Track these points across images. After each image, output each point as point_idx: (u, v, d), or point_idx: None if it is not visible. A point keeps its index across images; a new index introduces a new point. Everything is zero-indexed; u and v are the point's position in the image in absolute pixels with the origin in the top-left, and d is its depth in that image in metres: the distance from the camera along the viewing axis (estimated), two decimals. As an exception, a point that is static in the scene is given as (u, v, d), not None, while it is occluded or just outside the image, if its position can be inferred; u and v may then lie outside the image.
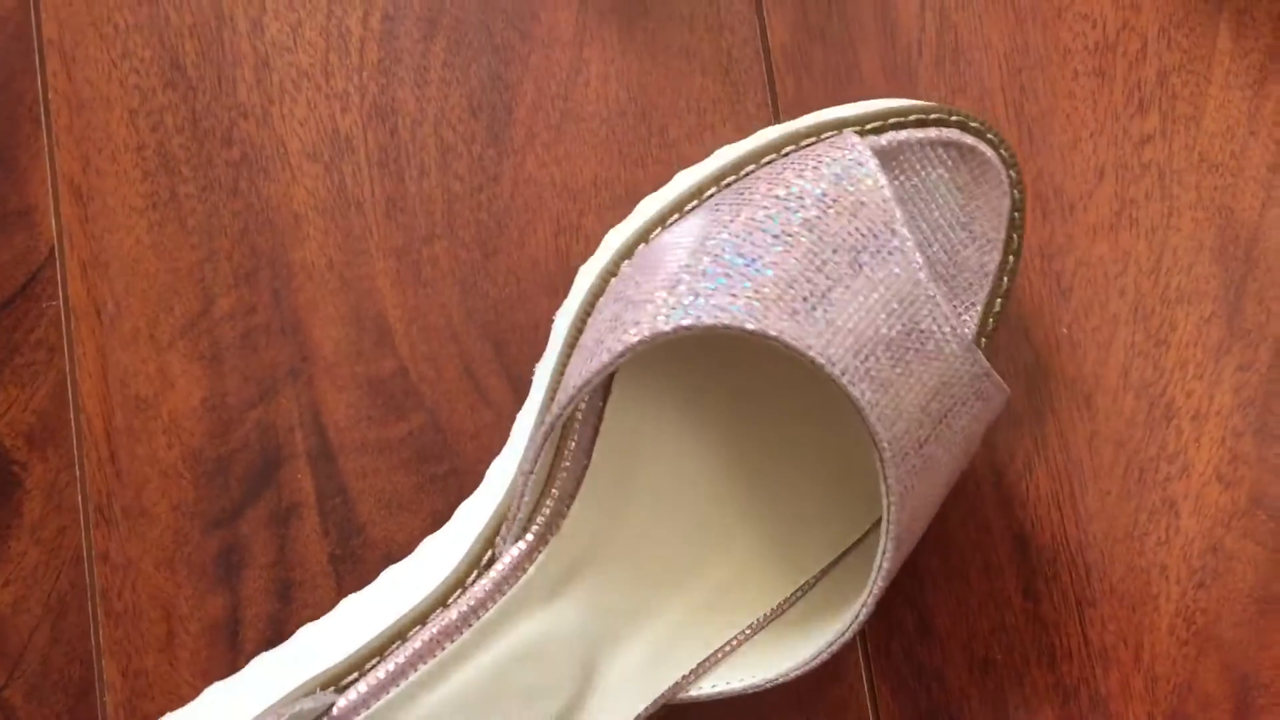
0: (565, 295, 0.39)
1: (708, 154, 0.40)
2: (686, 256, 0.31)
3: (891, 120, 0.34)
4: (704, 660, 0.34)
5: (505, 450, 0.35)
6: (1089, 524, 0.38)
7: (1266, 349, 0.39)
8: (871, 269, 0.31)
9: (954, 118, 0.34)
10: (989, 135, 0.34)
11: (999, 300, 0.34)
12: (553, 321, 0.36)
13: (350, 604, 0.35)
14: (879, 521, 0.33)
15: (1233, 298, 0.39)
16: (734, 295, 0.30)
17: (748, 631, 0.34)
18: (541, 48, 0.41)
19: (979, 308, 0.34)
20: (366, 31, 0.41)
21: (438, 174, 0.41)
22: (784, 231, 0.31)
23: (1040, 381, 0.39)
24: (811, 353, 0.29)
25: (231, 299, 0.41)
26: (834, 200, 0.32)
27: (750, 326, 0.29)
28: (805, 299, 0.30)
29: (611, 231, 0.35)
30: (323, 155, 0.41)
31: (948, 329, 0.31)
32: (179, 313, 0.41)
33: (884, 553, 0.31)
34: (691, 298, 0.30)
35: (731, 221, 0.32)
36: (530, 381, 0.36)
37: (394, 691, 0.31)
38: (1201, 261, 0.39)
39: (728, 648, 0.34)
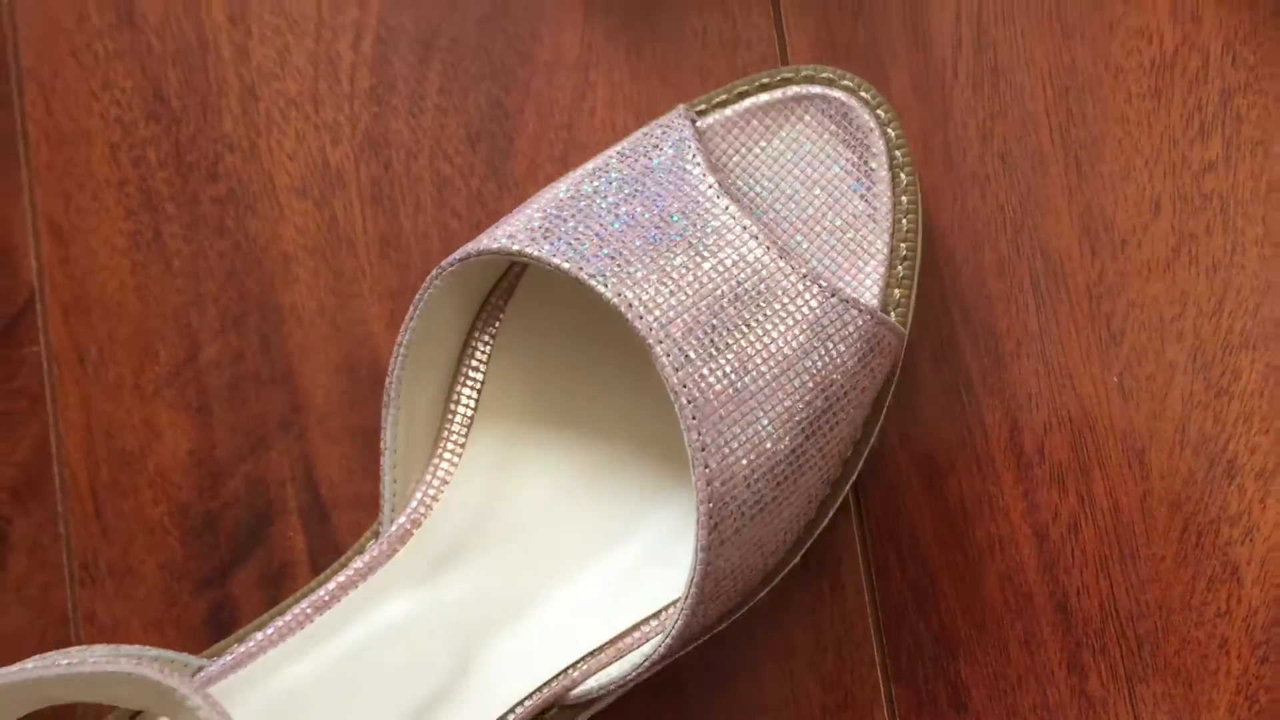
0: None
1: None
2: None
3: (739, 90, 0.33)
4: (590, 657, 0.31)
5: None
6: (1141, 592, 0.35)
7: (1341, 400, 0.35)
8: (702, 248, 0.29)
9: (803, 73, 0.33)
10: (845, 81, 0.32)
11: (904, 245, 0.32)
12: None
13: None
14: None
15: None
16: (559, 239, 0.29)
17: (637, 635, 0.32)
18: (544, 71, 0.37)
19: (881, 254, 0.31)
20: (358, 56, 0.38)
21: (434, 210, 0.37)
22: (612, 209, 0.30)
23: (1088, 435, 0.35)
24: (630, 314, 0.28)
25: (219, 345, 0.37)
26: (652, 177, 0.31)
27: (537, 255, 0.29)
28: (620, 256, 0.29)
29: None
30: (312, 191, 0.38)
31: (798, 286, 0.29)
32: (164, 360, 0.38)
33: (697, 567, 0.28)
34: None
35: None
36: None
37: (258, 660, 0.31)
38: (1269, 302, 0.35)
39: (616, 648, 0.32)
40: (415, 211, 0.37)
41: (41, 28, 0.39)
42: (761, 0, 0.37)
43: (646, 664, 0.28)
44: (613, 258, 0.28)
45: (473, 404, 0.33)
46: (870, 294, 0.31)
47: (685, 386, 0.27)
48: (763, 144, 0.32)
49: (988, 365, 0.36)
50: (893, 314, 0.31)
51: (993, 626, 0.35)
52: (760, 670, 0.35)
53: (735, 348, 0.28)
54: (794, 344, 0.28)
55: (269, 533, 0.37)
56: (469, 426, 0.32)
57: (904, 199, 0.31)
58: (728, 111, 0.33)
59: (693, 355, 0.27)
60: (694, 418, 0.27)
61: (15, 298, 0.38)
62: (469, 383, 0.33)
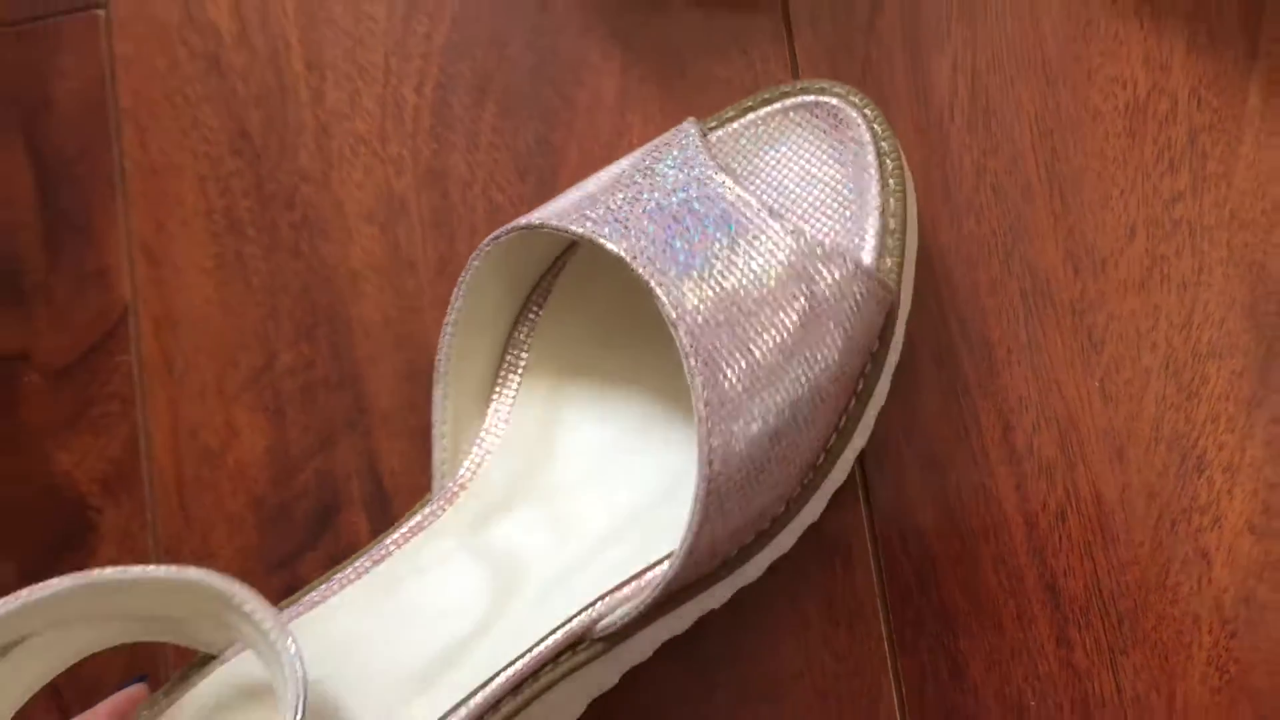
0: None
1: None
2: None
3: (745, 106, 0.36)
4: (613, 592, 0.33)
5: None
6: (1122, 574, 0.37)
7: (1298, 402, 0.37)
8: (700, 209, 0.32)
9: (799, 86, 0.36)
10: (836, 90, 0.36)
11: (893, 220, 0.34)
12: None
13: None
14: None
15: (1264, 352, 0.37)
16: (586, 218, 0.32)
17: (658, 570, 0.33)
18: (586, 113, 0.41)
19: (871, 228, 0.34)
20: (420, 99, 0.41)
21: (487, 234, 0.40)
22: (638, 198, 0.33)
23: (1073, 433, 0.37)
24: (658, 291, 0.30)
25: (293, 354, 0.41)
26: (663, 162, 0.34)
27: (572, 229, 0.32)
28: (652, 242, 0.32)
29: None
30: (378, 217, 0.41)
31: (787, 239, 0.32)
32: (244, 367, 0.41)
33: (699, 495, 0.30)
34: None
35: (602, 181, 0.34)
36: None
37: (319, 608, 0.33)
38: (1233, 316, 0.37)
39: (637, 583, 0.33)
40: (470, 235, 0.41)
41: (139, 74, 0.43)
42: (780, 53, 0.41)
43: (664, 582, 0.30)
44: (620, 221, 0.31)
45: (515, 384, 0.36)
46: (864, 261, 0.34)
47: (683, 320, 0.30)
48: (765, 148, 0.36)
49: (983, 371, 0.38)
50: (886, 279, 0.34)
51: (988, 604, 0.37)
52: (778, 643, 0.38)
53: (726, 285, 0.31)
54: (778, 282, 0.31)
55: (336, 520, 0.40)
56: (513, 403, 0.36)
57: (890, 182, 0.34)
58: (734, 125, 0.36)
59: (687, 293, 0.30)
60: (690, 346, 0.29)
61: (111, 313, 0.42)
62: (512, 366, 0.36)
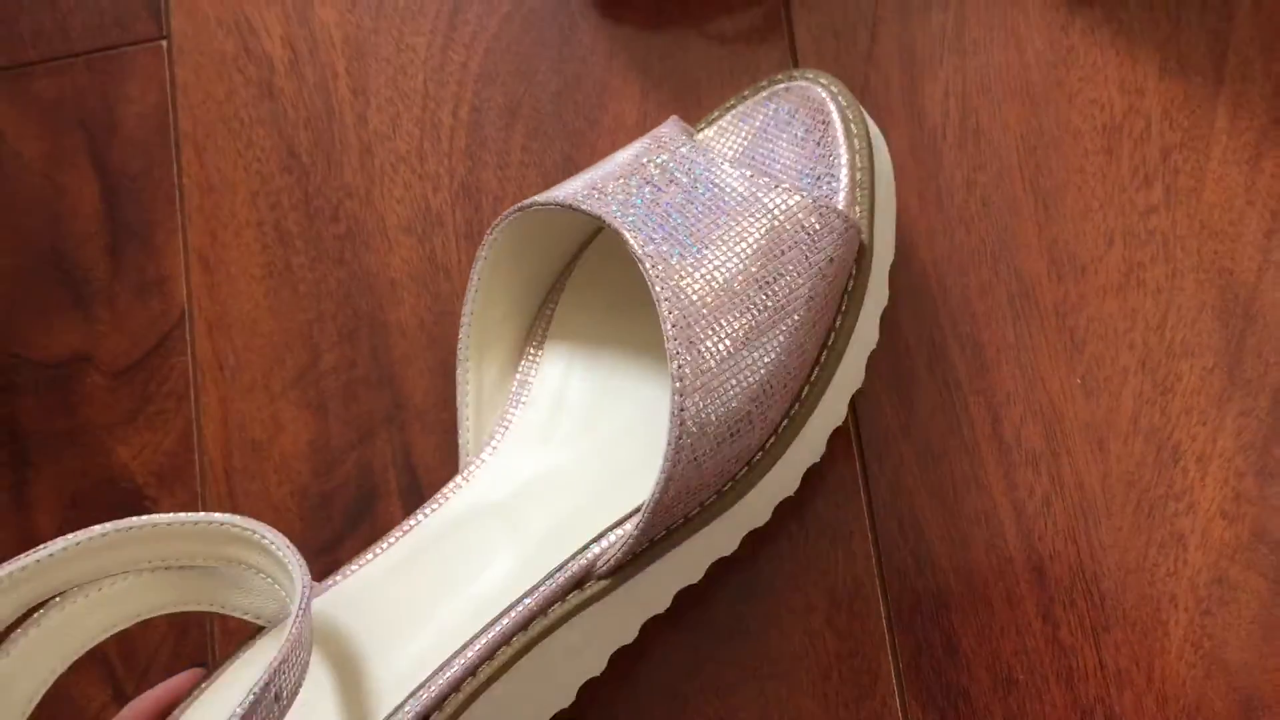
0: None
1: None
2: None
3: (728, 106, 0.39)
4: (609, 531, 0.35)
5: None
6: (1103, 556, 0.38)
7: (1265, 397, 0.38)
8: (675, 172, 0.35)
9: (773, 79, 0.39)
10: (806, 74, 0.38)
11: (860, 174, 0.36)
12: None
13: None
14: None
15: (1233, 351, 0.38)
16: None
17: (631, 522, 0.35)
18: (608, 134, 0.43)
19: (843, 180, 0.36)
20: (456, 122, 0.44)
21: None
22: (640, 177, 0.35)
23: (1057, 426, 0.39)
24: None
25: (336, 355, 0.43)
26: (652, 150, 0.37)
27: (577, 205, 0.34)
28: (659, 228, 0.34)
29: None
30: (416, 229, 0.43)
31: (750, 184, 0.34)
32: (290, 366, 0.43)
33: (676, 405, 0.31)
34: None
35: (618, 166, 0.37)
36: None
37: (352, 578, 0.35)
38: (1204, 318, 0.39)
39: (632, 521, 0.34)
40: (501, 246, 0.43)
41: (198, 99, 0.46)
42: (786, 82, 0.44)
43: (651, 504, 0.32)
44: (599, 190, 0.34)
45: (535, 370, 0.38)
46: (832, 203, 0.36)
47: (649, 255, 0.32)
48: (743, 134, 0.38)
49: (973, 369, 0.40)
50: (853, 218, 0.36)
51: (979, 585, 0.38)
52: (785, 624, 0.39)
53: (690, 228, 0.33)
54: (740, 217, 0.33)
55: (374, 509, 0.41)
56: (533, 380, 0.38)
57: (856, 142, 0.37)
58: (719, 123, 0.39)
59: (654, 234, 0.32)
60: (655, 276, 0.31)
61: (169, 317, 0.44)
62: (529, 355, 0.39)
